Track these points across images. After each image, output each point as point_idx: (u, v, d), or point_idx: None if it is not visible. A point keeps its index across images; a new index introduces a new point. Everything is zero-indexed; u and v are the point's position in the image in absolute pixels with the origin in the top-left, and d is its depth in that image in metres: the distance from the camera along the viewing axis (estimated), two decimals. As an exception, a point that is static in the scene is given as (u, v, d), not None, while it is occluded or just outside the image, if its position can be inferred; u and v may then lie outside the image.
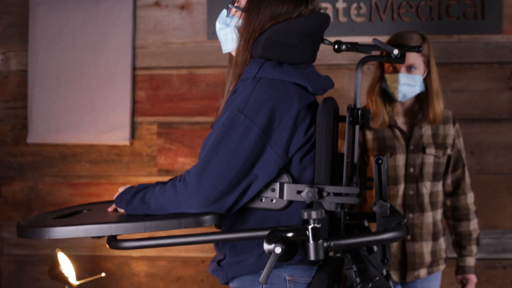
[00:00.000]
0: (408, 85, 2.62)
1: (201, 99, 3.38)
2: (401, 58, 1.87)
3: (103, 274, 3.24)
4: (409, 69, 2.63)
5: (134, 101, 3.42)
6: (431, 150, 2.69)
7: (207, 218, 1.77)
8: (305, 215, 1.67)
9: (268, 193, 1.83)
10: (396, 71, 2.63)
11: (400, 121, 2.73)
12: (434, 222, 2.71)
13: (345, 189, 1.81)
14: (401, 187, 2.69)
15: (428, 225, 2.70)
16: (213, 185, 1.76)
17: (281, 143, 1.79)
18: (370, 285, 1.81)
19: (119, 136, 3.39)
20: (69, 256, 3.19)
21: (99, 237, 1.94)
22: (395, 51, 1.85)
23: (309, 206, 1.79)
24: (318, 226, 1.68)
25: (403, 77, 2.62)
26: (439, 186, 2.73)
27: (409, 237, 2.69)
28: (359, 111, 1.88)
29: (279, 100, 1.78)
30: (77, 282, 3.08)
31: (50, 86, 3.44)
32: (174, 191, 1.79)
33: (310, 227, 1.68)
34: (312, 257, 1.68)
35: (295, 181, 1.82)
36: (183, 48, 3.41)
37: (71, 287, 3.05)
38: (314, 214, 1.67)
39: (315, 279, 1.86)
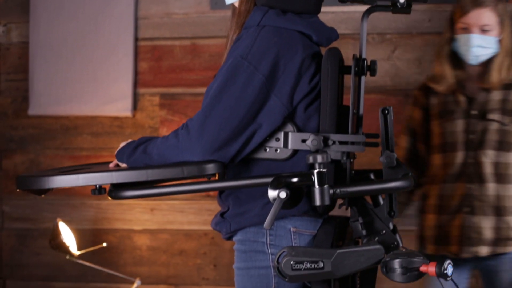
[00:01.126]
0: (481, 47, 2.47)
1: (204, 70, 3.35)
2: (407, 8, 1.83)
3: (104, 244, 3.21)
4: (483, 29, 2.47)
5: (136, 72, 3.39)
6: (494, 116, 2.50)
7: (210, 166, 1.74)
8: (311, 159, 1.64)
9: (272, 143, 1.80)
10: (468, 31, 2.48)
11: (468, 85, 2.56)
12: (499, 196, 2.51)
13: (351, 137, 1.78)
14: (460, 155, 2.53)
15: (489, 198, 2.50)
16: (216, 132, 1.73)
17: (285, 91, 1.76)
18: (376, 238, 1.77)
19: (121, 107, 3.35)
20: (71, 229, 3.16)
21: (100, 192, 1.91)
22: (401, 0, 1.81)
23: (314, 156, 1.75)
24: (323, 170, 1.65)
25: (475, 38, 2.46)
26: (510, 158, 2.53)
27: (467, 209, 2.52)
28: (365, 61, 1.85)
29: (283, 48, 1.75)
30: (78, 252, 3.05)
31: (52, 58, 3.41)
32: (177, 140, 1.77)
33: (315, 171, 1.65)
34: (317, 202, 1.65)
35: (299, 130, 1.79)
36: (185, 19, 3.37)
37: (72, 257, 3.02)
38: (319, 158, 1.64)
39: (321, 231, 1.83)
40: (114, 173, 1.76)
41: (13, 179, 3.44)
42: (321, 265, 1.68)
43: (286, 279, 1.69)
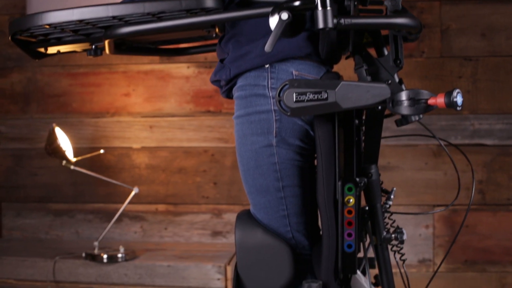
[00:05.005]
0: None
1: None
2: None
3: (102, 151, 3.14)
4: None
5: (135, -14, 3.32)
6: None
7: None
8: (312, -25, 1.58)
9: (275, -22, 1.73)
10: None
11: None
12: None
13: (355, -32, 1.72)
14: None
15: None
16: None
17: None
18: (382, 86, 1.71)
19: (120, 21, 3.28)
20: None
21: (96, 53, 1.86)
22: None
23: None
24: (326, -8, 1.58)
25: None
26: None
27: None
28: None
29: None
30: (75, 159, 2.98)
31: (50, -28, 3.34)
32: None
33: (318, -7, 1.58)
34: (320, 24, 1.58)
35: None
36: None
37: (69, 163, 2.95)
38: (322, -25, 1.57)
39: (324, 77, 1.77)
40: (110, 6, 1.69)
41: (10, 98, 3.40)
42: (325, 95, 1.62)
43: (288, 113, 1.63)
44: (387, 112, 1.77)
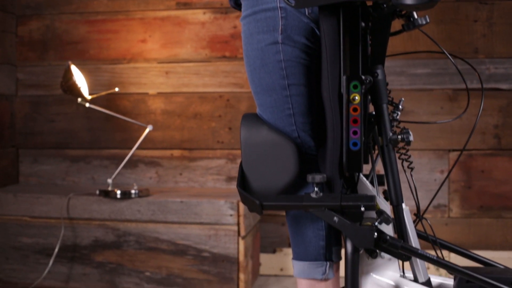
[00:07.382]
0: None
1: None
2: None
3: (116, 89, 3.15)
4: None
5: None
6: None
7: None
8: None
9: None
10: None
11: None
12: None
13: None
14: None
15: None
16: None
17: None
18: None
19: (137, -33, 3.31)
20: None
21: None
22: None
23: None
24: None
25: None
26: None
27: None
28: None
29: None
30: (90, 97, 3.00)
31: None
32: None
33: None
34: None
35: None
36: None
37: (84, 101, 2.97)
38: None
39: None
40: None
41: (28, 45, 3.43)
42: (330, -19, 1.62)
43: (293, 5, 1.63)
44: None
